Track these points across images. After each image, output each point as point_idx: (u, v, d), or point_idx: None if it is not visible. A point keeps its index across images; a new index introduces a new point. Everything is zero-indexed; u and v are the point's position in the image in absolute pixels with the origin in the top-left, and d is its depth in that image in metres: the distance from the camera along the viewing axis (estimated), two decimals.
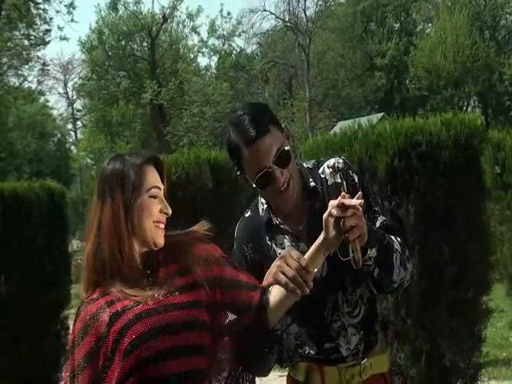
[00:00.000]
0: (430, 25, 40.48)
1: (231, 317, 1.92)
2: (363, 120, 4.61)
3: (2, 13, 20.24)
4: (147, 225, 1.84)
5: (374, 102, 38.18)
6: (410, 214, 3.91)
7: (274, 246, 2.17)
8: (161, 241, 1.87)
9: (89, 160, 38.51)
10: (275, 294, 1.92)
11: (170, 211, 1.88)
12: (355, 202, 1.87)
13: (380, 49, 37.61)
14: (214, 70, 39.54)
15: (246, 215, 2.27)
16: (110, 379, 1.71)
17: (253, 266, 2.14)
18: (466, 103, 36.47)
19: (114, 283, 1.80)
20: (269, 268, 2.00)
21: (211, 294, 1.88)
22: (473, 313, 4.11)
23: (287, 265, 1.80)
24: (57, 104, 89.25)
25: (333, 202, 1.89)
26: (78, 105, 42.70)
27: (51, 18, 22.43)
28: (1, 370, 5.29)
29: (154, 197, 1.87)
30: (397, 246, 2.09)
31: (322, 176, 2.18)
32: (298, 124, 35.28)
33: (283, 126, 2.16)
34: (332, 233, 1.90)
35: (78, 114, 42.64)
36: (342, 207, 1.87)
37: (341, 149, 4.08)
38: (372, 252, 1.99)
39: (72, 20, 30.53)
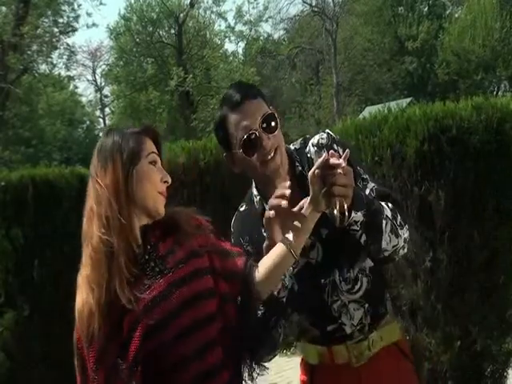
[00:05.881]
0: (459, 8, 39.90)
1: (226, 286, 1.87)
2: (392, 104, 4.57)
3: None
4: (150, 193, 1.79)
5: (402, 87, 37.79)
6: (439, 199, 3.88)
7: None
8: (162, 209, 1.83)
9: None
10: (265, 262, 1.89)
11: (169, 180, 1.84)
12: (341, 161, 1.77)
13: (411, 32, 37.14)
14: (241, 56, 39.48)
15: (241, 209, 2.19)
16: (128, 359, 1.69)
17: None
18: (496, 87, 35.94)
19: (119, 260, 1.74)
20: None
21: (209, 260, 1.85)
22: (504, 299, 4.07)
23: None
24: (85, 91, 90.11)
25: (318, 160, 1.81)
26: (106, 91, 43.03)
27: (79, 5, 22.59)
28: (32, 352, 5.37)
29: (154, 163, 1.82)
30: (387, 213, 1.99)
31: (309, 156, 2.09)
32: (326, 110, 35.13)
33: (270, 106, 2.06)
34: (318, 191, 1.82)
35: (106, 100, 42.95)
36: (329, 167, 1.78)
37: (370, 133, 4.06)
38: (357, 215, 1.90)
39: (100, 3, 30.54)
